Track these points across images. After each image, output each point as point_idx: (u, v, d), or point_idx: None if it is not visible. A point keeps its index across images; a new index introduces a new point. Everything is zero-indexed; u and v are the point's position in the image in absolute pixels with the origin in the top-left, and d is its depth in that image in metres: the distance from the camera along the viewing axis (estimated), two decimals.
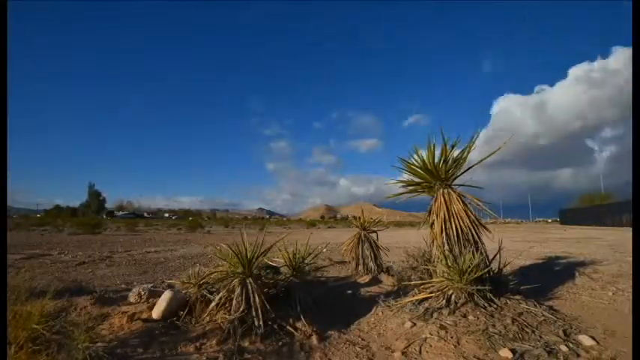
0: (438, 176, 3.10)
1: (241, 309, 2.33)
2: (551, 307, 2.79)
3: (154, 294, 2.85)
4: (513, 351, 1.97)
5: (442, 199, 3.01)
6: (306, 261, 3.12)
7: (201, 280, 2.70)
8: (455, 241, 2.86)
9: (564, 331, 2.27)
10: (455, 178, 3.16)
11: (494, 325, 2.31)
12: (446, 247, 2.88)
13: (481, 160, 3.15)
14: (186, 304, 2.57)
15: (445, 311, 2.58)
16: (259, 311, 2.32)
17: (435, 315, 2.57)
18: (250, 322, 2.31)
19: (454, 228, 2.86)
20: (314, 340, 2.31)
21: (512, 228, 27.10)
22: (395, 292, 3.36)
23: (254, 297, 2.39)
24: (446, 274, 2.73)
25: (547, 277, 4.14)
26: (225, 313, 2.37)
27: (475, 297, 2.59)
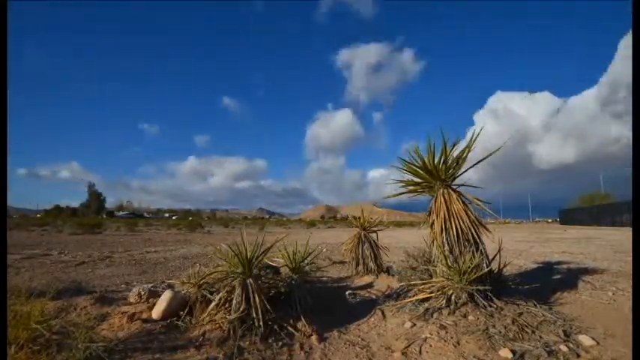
0: (438, 176, 3.10)
1: (241, 309, 2.33)
2: (551, 307, 2.78)
3: (154, 294, 2.85)
4: (513, 351, 1.97)
5: (442, 199, 3.01)
6: (306, 261, 3.12)
7: (201, 280, 2.70)
8: (455, 241, 2.86)
9: (564, 331, 2.27)
10: (455, 178, 3.16)
11: (494, 325, 2.31)
12: (446, 247, 2.88)
13: (480, 160, 3.15)
14: (186, 304, 2.57)
15: (445, 311, 2.58)
16: (259, 311, 2.32)
17: (435, 315, 2.57)
18: (250, 322, 2.31)
19: (454, 228, 2.86)
20: (314, 340, 2.31)
21: (512, 228, 27.10)
22: (395, 292, 3.36)
23: (254, 297, 2.39)
24: (446, 275, 2.73)
25: (547, 277, 4.14)
26: (225, 313, 2.37)
27: (475, 297, 2.59)
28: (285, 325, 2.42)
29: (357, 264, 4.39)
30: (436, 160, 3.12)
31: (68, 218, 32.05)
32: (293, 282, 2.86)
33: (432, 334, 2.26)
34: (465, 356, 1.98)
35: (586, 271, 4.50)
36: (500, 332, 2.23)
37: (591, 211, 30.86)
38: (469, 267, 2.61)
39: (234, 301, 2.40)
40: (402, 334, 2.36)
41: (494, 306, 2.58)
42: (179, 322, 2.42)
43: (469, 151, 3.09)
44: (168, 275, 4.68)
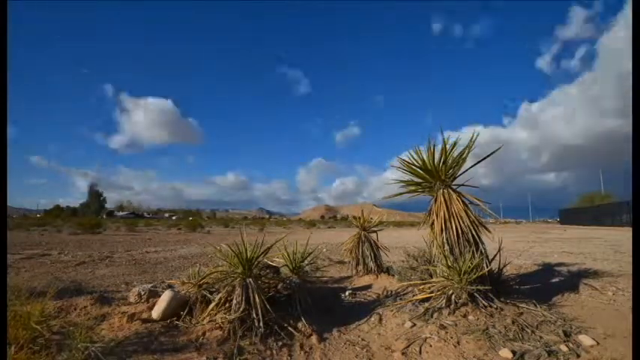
0: (438, 176, 3.10)
1: (241, 309, 2.33)
2: (551, 307, 2.79)
3: (154, 294, 2.85)
4: (513, 351, 1.97)
5: (442, 199, 3.01)
6: (305, 261, 3.12)
7: (201, 280, 2.70)
8: (455, 241, 2.86)
9: (564, 331, 2.26)
10: (455, 178, 3.16)
11: (494, 325, 2.31)
12: (446, 247, 2.88)
13: (480, 161, 3.15)
14: (186, 304, 2.57)
15: (445, 311, 2.58)
16: (259, 311, 2.32)
17: (435, 315, 2.57)
18: (250, 322, 2.31)
19: (454, 228, 2.85)
20: (314, 340, 2.31)
21: (512, 228, 27.10)
22: (395, 292, 3.36)
23: (254, 297, 2.39)
24: (446, 274, 2.73)
25: (547, 277, 4.14)
26: (225, 313, 2.37)
27: (475, 297, 2.59)
28: (285, 325, 2.42)
29: (357, 264, 4.39)
30: (436, 160, 3.12)
31: (68, 218, 32.04)
32: (293, 282, 2.86)
33: (432, 334, 2.26)
34: (465, 356, 1.98)
35: (586, 271, 4.50)
36: (500, 332, 2.23)
37: (591, 211, 30.86)
38: (469, 267, 2.60)
39: (234, 301, 2.40)
40: (402, 334, 2.36)
41: (495, 306, 2.58)
42: (179, 322, 2.42)
43: (469, 151, 3.09)
44: (169, 275, 4.68)
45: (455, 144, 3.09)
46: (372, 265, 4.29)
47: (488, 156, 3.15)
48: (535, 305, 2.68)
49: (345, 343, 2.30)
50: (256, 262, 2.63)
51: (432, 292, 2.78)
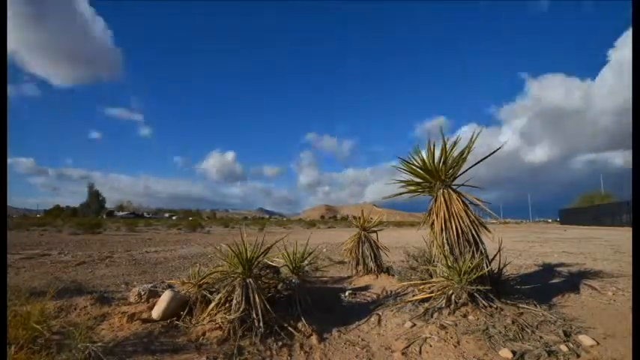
0: (438, 176, 3.10)
1: (241, 309, 2.33)
2: (551, 307, 2.79)
3: (154, 294, 2.85)
4: (513, 351, 1.97)
5: (442, 199, 3.01)
6: (305, 261, 3.12)
7: (201, 280, 2.70)
8: (455, 241, 2.86)
9: (564, 332, 2.26)
10: (455, 178, 3.16)
11: (494, 325, 2.31)
12: (446, 247, 2.88)
13: (481, 160, 3.15)
14: (186, 304, 2.57)
15: (445, 311, 2.58)
16: (259, 311, 2.32)
17: (435, 315, 2.57)
18: (250, 322, 2.31)
19: (454, 228, 2.85)
20: (314, 340, 2.31)
21: (512, 228, 27.10)
22: (395, 292, 3.36)
23: (254, 297, 2.39)
24: (446, 274, 2.73)
25: (547, 277, 4.14)
26: (225, 313, 2.37)
27: (475, 297, 2.59)
28: (285, 325, 2.42)
29: (357, 264, 4.39)
30: (436, 160, 3.12)
31: (68, 218, 32.03)
32: (293, 282, 2.86)
33: (432, 334, 2.26)
34: (465, 356, 1.98)
35: (586, 271, 4.50)
36: (500, 332, 2.23)
37: (591, 211, 30.85)
38: (469, 267, 2.60)
39: (234, 301, 2.40)
40: (402, 334, 2.36)
41: (495, 306, 2.58)
42: (179, 323, 2.42)
43: (469, 152, 3.08)
44: (169, 275, 4.68)
45: (455, 144, 3.09)
46: (372, 265, 4.29)
47: (488, 156, 3.15)
48: (535, 305, 2.68)
49: (345, 343, 2.30)
50: (256, 262, 2.63)
51: (432, 292, 2.78)
